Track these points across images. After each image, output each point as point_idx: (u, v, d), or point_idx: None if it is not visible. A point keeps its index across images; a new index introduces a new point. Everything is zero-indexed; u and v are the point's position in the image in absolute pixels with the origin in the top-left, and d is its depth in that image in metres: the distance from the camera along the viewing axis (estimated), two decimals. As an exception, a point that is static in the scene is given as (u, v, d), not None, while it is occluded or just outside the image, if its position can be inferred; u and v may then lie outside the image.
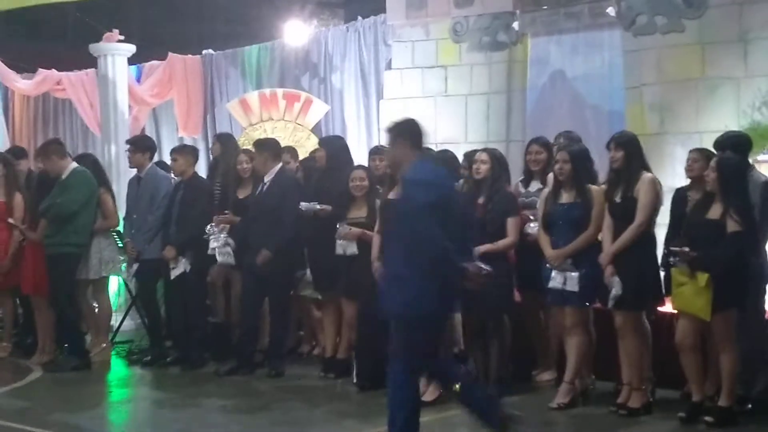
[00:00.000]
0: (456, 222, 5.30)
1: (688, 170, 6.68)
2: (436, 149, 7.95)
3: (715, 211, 5.98)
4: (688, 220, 6.23)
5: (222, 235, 8.08)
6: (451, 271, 5.18)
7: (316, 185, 7.93)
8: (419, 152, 5.39)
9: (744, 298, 5.97)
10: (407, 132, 5.39)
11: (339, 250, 7.32)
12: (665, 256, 6.39)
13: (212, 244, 8.11)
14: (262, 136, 10.15)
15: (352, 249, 7.26)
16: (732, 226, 5.87)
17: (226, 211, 8.24)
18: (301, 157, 9.05)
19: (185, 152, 8.59)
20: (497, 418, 5.31)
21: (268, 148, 8.09)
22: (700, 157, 6.60)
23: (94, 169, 8.58)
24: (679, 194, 6.75)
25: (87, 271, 8.41)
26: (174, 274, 8.20)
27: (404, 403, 5.31)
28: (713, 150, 6.52)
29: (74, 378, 8.01)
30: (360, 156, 8.89)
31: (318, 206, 7.59)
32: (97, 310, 8.75)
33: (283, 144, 8.60)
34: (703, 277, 5.84)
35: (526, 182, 7.38)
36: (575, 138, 7.34)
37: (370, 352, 7.07)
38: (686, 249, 5.93)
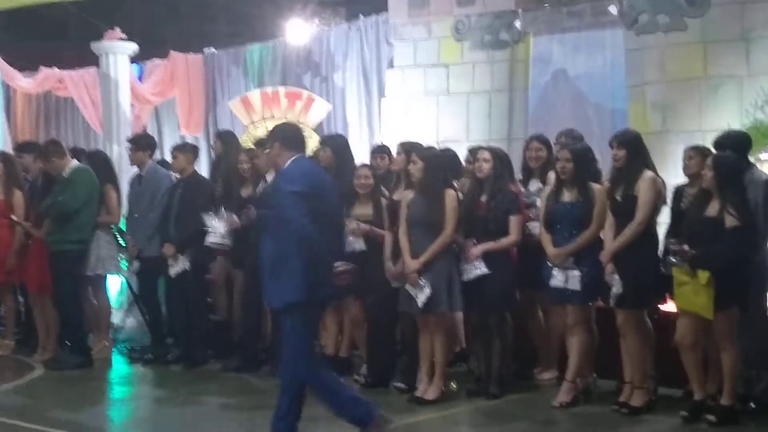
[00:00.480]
0: (328, 219, 5.50)
1: (685, 168, 6.68)
2: (438, 148, 7.95)
3: (713, 208, 5.96)
4: (686, 218, 6.22)
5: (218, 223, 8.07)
6: (316, 256, 5.31)
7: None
8: (294, 153, 5.55)
9: (745, 296, 5.96)
10: (281, 136, 5.66)
11: (347, 247, 7.31)
12: (664, 253, 6.38)
13: (210, 239, 8.09)
14: (264, 135, 10.13)
15: (360, 245, 7.26)
16: (730, 221, 5.85)
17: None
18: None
19: (185, 150, 8.59)
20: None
21: (270, 146, 8.08)
22: (695, 153, 6.60)
23: (103, 165, 8.58)
24: (679, 192, 6.74)
25: (84, 268, 8.40)
26: (173, 271, 8.20)
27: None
28: (711, 147, 6.52)
29: (76, 376, 7.99)
30: (361, 154, 8.88)
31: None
32: (96, 307, 8.74)
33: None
34: (704, 275, 5.81)
35: (525, 181, 7.34)
36: (577, 136, 7.31)
37: (381, 349, 7.19)
38: (685, 247, 5.93)
